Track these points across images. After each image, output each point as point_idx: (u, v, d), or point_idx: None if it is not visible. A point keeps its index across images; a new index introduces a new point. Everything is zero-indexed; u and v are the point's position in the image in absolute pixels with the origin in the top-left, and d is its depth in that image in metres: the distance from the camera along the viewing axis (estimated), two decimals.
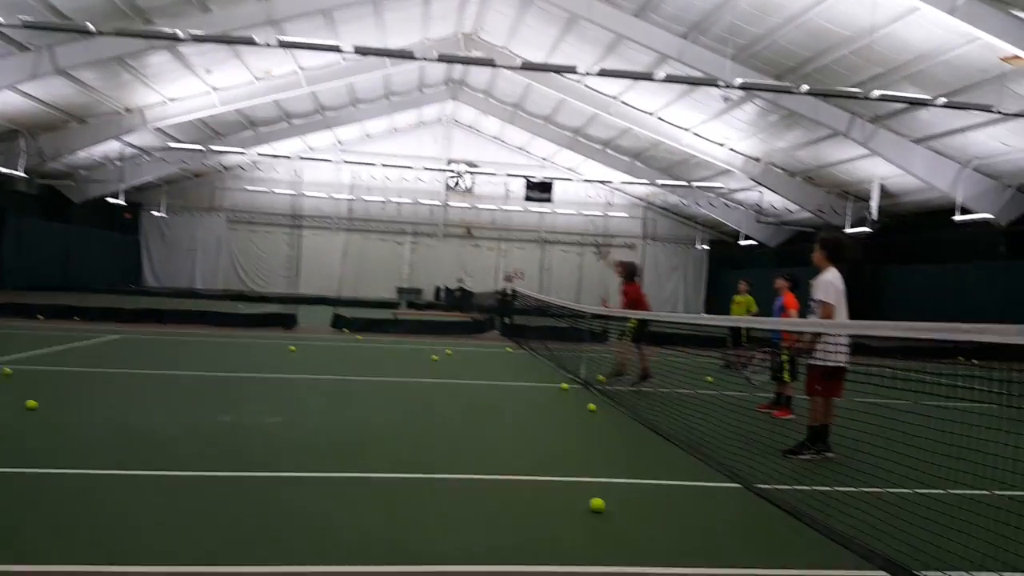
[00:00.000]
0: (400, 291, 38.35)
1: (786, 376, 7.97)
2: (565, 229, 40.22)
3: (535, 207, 37.34)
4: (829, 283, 6.03)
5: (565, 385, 9.58)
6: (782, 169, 26.74)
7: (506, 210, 39.63)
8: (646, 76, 18.81)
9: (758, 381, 10.15)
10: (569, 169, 37.40)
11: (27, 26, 14.93)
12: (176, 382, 8.53)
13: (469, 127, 38.09)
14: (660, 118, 26.32)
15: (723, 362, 12.52)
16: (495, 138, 38.10)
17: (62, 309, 16.28)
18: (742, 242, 33.52)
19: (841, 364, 5.82)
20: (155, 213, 37.39)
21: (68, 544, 3.49)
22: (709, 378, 9.72)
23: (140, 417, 6.45)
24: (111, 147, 28.39)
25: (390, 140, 37.81)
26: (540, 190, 30.86)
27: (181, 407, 7.03)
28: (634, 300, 10.33)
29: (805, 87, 17.19)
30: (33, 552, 3.37)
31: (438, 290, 37.53)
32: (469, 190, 39.25)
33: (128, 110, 25.51)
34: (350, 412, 7.26)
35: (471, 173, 35.58)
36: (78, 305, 16.77)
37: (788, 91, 17.93)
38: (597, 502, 4.37)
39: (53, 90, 22.17)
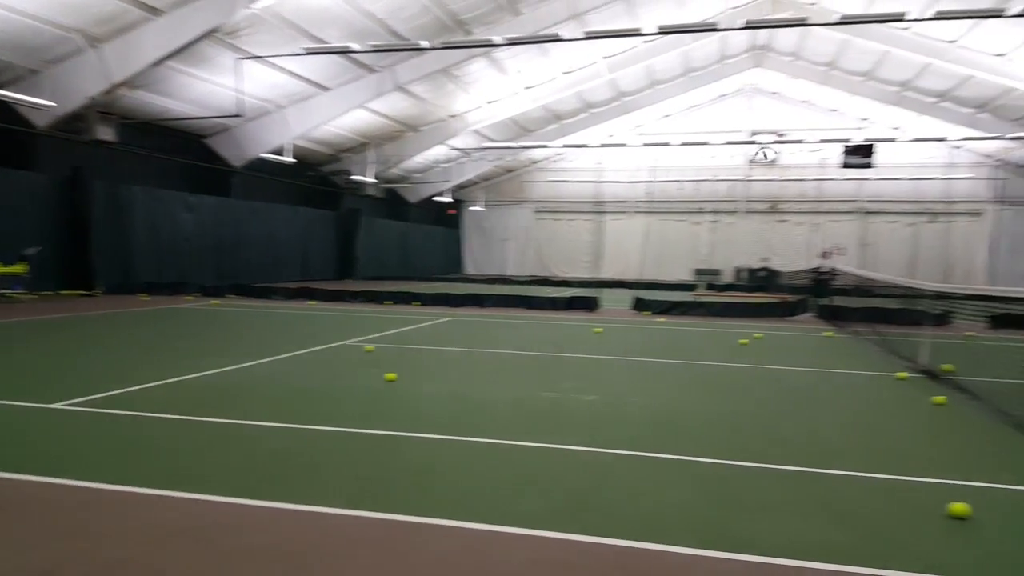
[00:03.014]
0: (698, 272, 37.53)
1: None
2: (892, 197, 35.72)
3: (852, 174, 33.65)
4: None
5: (903, 374, 8.46)
6: None
7: (817, 180, 36.44)
8: (996, 13, 15.77)
9: None
10: (894, 128, 33.06)
11: (376, 50, 17.45)
12: (500, 359, 9.31)
13: (774, 94, 35.70)
14: (1013, 60, 21.88)
15: None
16: (803, 102, 35.17)
17: (405, 295, 18.82)
18: None
19: None
20: (473, 208, 41.48)
21: (429, 500, 3.98)
22: None
23: (475, 390, 7.17)
24: (438, 151, 32.11)
25: (689, 117, 37.08)
26: (860, 154, 27.55)
27: (507, 382, 7.65)
28: None
29: None
30: (399, 504, 3.90)
31: (738, 270, 35.94)
32: (773, 161, 36.85)
33: (452, 116, 28.58)
34: (661, 394, 7.23)
35: (777, 143, 33.23)
36: (417, 292, 19.25)
37: None
38: (960, 507, 3.81)
39: (393, 104, 25.77)
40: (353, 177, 29.83)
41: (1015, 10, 14.87)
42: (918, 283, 10.09)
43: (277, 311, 15.84)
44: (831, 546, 3.44)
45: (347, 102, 23.31)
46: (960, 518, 3.77)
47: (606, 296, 20.37)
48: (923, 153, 34.53)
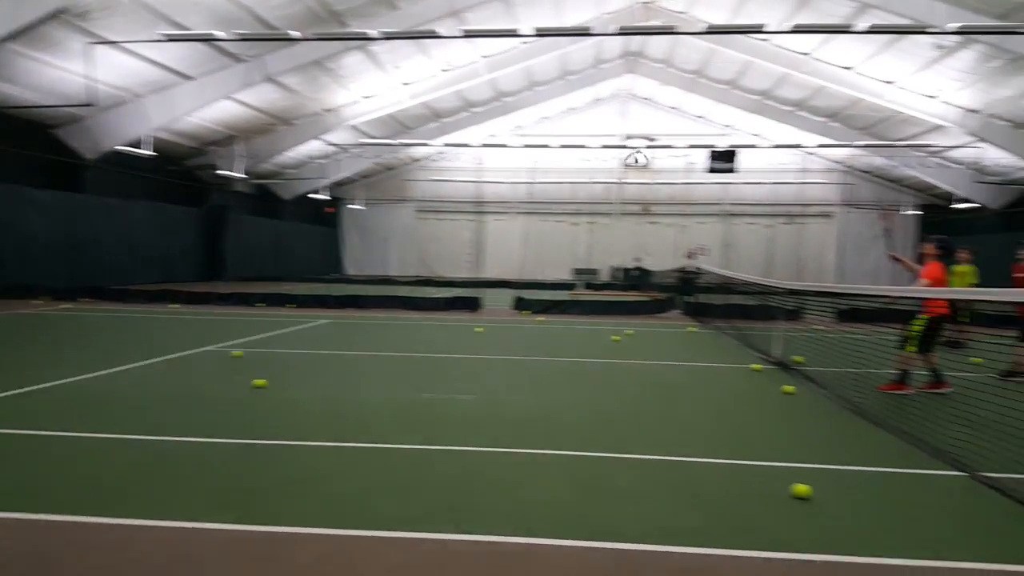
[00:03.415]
0: (576, 272, 38.57)
1: (909, 348, 7.37)
2: (752, 200, 38.23)
3: (717, 178, 35.73)
4: None
5: (757, 366, 9.08)
6: (1007, 121, 23.37)
7: (686, 184, 38.37)
8: (844, 29, 17.27)
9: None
10: (755, 135, 35.42)
11: (242, 38, 16.65)
12: (379, 362, 9.16)
13: (646, 99, 37.24)
14: (860, 73, 24.01)
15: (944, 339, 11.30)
16: (673, 108, 36.94)
17: (279, 297, 18.12)
18: (958, 205, 29.77)
19: None
20: (352, 206, 40.55)
21: (296, 509, 3.85)
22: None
23: (351, 394, 7.00)
24: (313, 146, 31.10)
25: (566, 120, 37.99)
26: (724, 160, 29.37)
27: (385, 385, 7.52)
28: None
29: None
30: (265, 514, 3.76)
31: (614, 270, 37.26)
32: (646, 165, 38.46)
33: (327, 110, 27.76)
34: (537, 391, 7.37)
35: (648, 148, 34.73)
36: (292, 293, 18.59)
37: (1016, 32, 15.60)
38: (802, 488, 4.14)
39: (263, 96, 24.69)
40: (220, 172, 28.30)
41: (860, 27, 16.29)
42: (773, 281, 10.85)
43: (136, 315, 14.81)
44: (688, 530, 3.64)
45: (212, 92, 22.08)
46: (803, 498, 4.09)
47: (488, 296, 20.53)
48: (781, 159, 37.15)
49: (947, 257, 7.84)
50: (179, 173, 28.64)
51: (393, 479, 4.38)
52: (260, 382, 7.19)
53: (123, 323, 13.29)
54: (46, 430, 5.28)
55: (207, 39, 17.08)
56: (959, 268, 11.72)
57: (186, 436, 5.26)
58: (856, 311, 12.41)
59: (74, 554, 3.24)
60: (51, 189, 21.48)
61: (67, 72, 18.72)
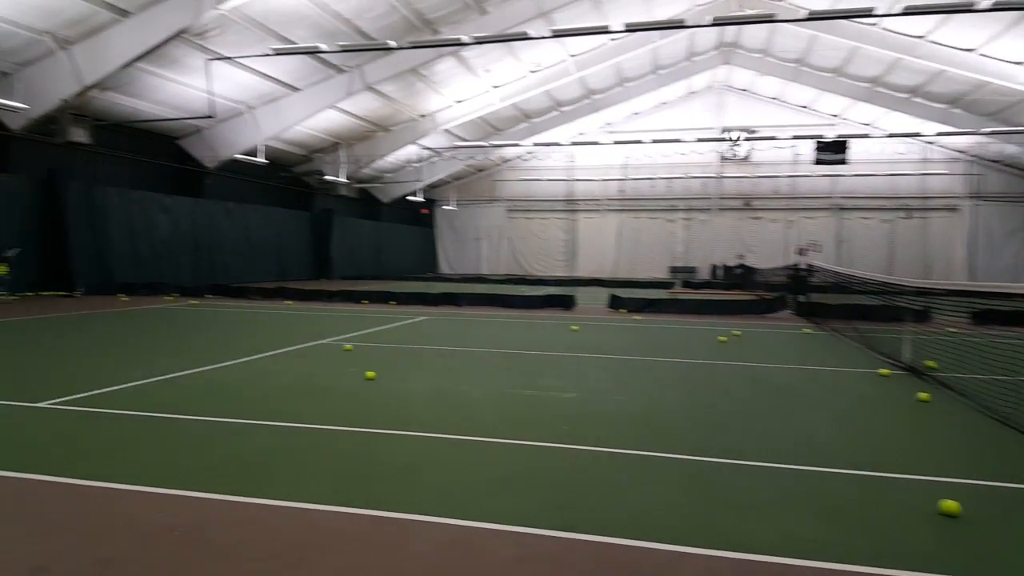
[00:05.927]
0: (673, 270, 37.68)
1: None
2: (867, 193, 36.03)
3: (826, 171, 33.97)
4: None
5: (885, 371, 8.44)
6: None
7: (790, 177, 36.70)
8: (965, 7, 15.92)
9: None
10: (866, 124, 33.43)
11: (344, 50, 17.21)
12: (479, 358, 9.16)
13: (743, 91, 35.98)
14: (983, 55, 22.17)
15: None
16: (773, 99, 35.49)
17: (381, 295, 18.61)
18: None
19: None
20: (446, 207, 41.27)
21: (409, 495, 3.82)
22: None
23: (453, 388, 7.02)
24: (410, 151, 31.86)
25: (658, 115, 37.22)
26: (833, 151, 27.83)
27: (486, 380, 7.51)
28: None
29: None
30: (383, 500, 3.75)
31: (714, 268, 36.11)
32: (746, 158, 37.10)
33: (422, 115, 28.37)
34: (640, 392, 7.14)
35: (749, 139, 33.43)
36: (393, 291, 19.06)
37: None
38: (950, 504, 3.72)
39: (363, 104, 25.53)
40: (326, 177, 29.51)
41: (984, 4, 14.99)
42: (896, 279, 10.08)
43: (256, 311, 15.62)
44: (821, 543, 3.36)
45: (317, 102, 23.04)
46: (950, 515, 3.70)
47: (582, 294, 20.32)
48: (897, 149, 34.91)
49: None
50: (289, 179, 30.09)
51: (502, 473, 4.33)
52: (371, 374, 7.38)
53: (245, 318, 14.15)
54: (185, 415, 5.65)
55: (312, 52, 17.78)
56: None
57: (307, 423, 5.49)
58: (993, 312, 11.31)
59: (214, 529, 3.40)
60: (177, 195, 23.02)
61: (189, 87, 19.99)
